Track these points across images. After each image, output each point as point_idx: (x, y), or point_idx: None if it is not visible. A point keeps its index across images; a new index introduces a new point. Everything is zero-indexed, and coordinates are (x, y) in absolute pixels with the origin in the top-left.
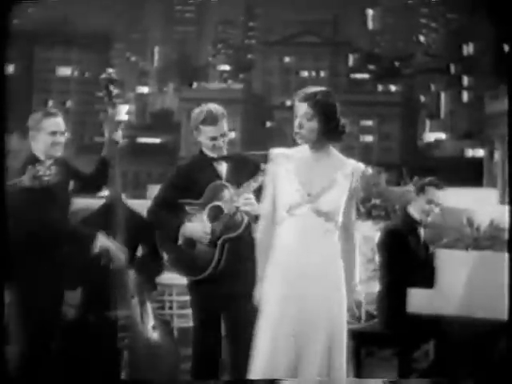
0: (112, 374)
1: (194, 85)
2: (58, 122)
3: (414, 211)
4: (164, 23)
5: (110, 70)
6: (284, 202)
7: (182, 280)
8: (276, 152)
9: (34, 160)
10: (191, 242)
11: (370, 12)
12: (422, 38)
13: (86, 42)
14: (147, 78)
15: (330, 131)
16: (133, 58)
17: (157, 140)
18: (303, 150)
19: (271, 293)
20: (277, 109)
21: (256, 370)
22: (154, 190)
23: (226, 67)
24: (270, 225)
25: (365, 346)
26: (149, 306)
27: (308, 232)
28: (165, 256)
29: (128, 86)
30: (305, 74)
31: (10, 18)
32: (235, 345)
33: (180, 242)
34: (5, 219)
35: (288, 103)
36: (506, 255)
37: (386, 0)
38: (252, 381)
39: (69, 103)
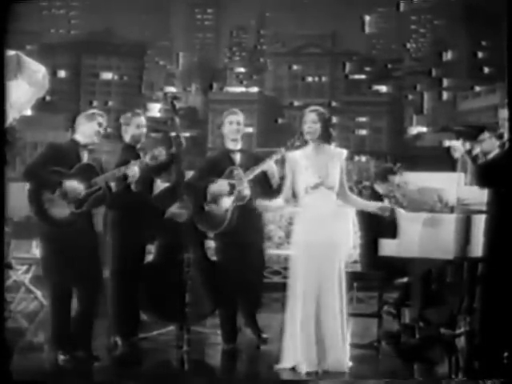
0: (180, 294)
1: (214, 86)
2: (143, 120)
3: (379, 188)
4: (187, 31)
5: (174, 90)
6: (302, 185)
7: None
8: (290, 155)
9: (128, 147)
10: (214, 198)
11: (366, 18)
12: (410, 45)
13: (123, 51)
14: (173, 79)
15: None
16: (161, 63)
17: (186, 134)
18: (307, 149)
19: (300, 238)
20: (286, 108)
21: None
22: (187, 174)
23: (241, 69)
24: (286, 200)
25: (355, 281)
26: (198, 252)
27: (320, 200)
28: (195, 218)
29: (157, 87)
30: (309, 79)
31: (8, 17)
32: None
33: (208, 198)
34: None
35: (296, 103)
36: (452, 215)
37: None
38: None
39: (110, 103)
